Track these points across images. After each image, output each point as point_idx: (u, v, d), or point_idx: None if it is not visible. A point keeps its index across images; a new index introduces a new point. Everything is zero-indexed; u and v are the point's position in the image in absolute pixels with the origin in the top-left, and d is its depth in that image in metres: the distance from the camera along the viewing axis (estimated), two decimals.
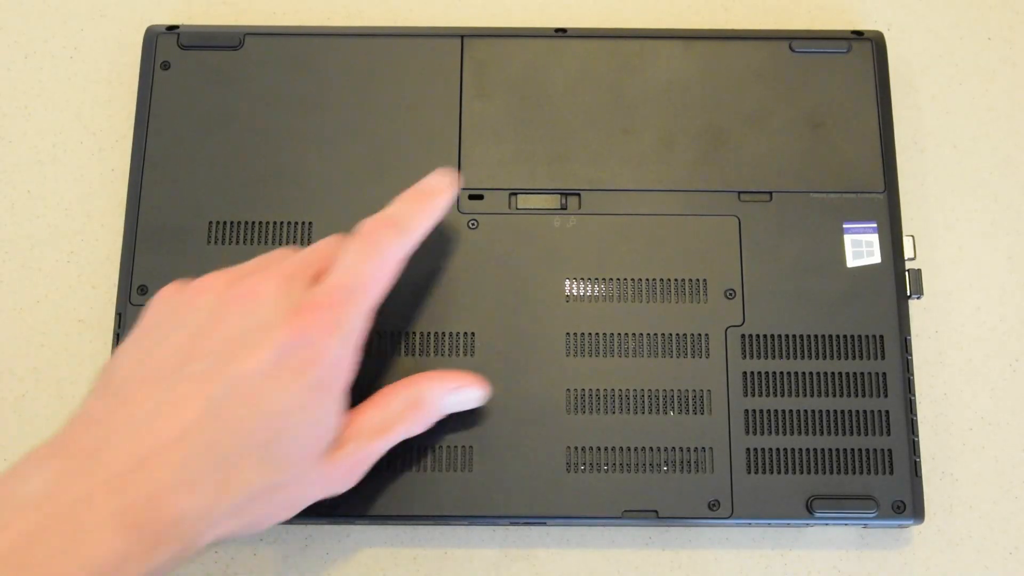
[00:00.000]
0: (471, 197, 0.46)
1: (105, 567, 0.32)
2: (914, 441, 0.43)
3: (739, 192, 0.46)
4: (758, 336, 0.44)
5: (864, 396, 0.43)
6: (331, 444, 0.37)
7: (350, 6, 0.52)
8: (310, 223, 0.45)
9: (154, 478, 0.33)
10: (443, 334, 0.44)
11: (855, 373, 0.44)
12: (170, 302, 0.38)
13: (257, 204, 0.46)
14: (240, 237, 0.45)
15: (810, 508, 0.42)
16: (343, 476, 0.38)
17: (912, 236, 0.45)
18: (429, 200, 0.40)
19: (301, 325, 0.35)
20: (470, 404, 0.41)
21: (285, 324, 0.35)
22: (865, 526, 0.43)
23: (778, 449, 0.43)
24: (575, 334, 0.44)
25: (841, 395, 0.43)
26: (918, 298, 0.45)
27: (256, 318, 0.36)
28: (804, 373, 0.44)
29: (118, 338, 0.44)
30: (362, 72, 0.47)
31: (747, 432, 0.43)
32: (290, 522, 0.44)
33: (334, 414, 0.37)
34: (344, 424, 0.38)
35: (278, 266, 0.38)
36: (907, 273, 0.45)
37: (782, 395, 0.43)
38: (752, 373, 0.44)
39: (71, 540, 0.31)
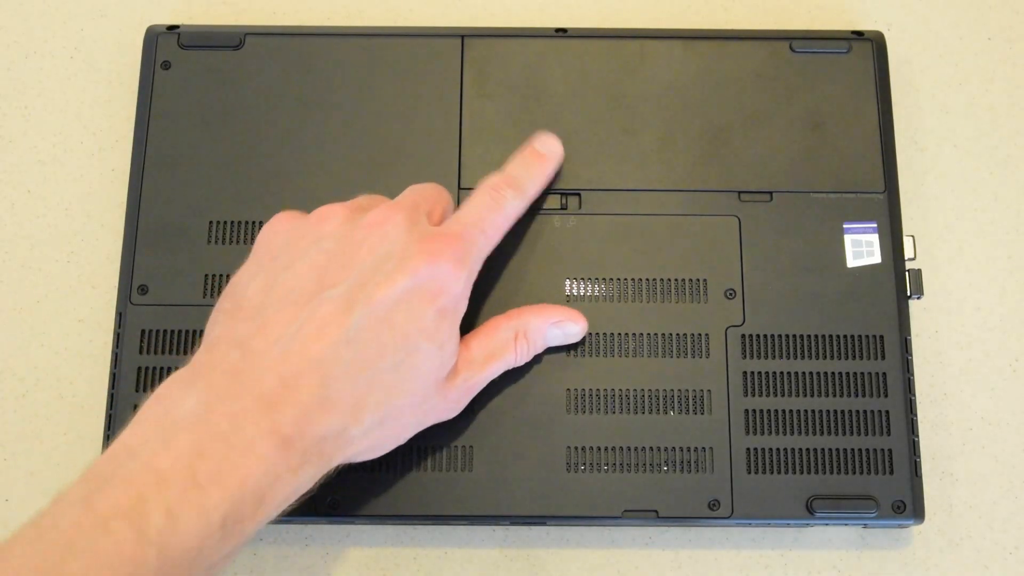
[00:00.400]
0: None
1: (263, 482, 0.33)
2: (914, 441, 0.43)
3: (739, 192, 0.46)
4: (758, 336, 0.44)
5: (864, 396, 0.43)
6: (449, 371, 0.39)
7: (350, 6, 0.52)
8: None
9: (300, 398, 0.34)
10: None
11: (855, 373, 0.44)
12: (288, 230, 0.39)
13: (257, 204, 0.46)
14: (240, 237, 0.45)
15: (810, 508, 0.42)
16: (454, 403, 0.40)
17: (912, 236, 0.45)
18: (544, 165, 0.44)
19: (435, 253, 0.37)
20: (571, 338, 0.43)
21: (420, 253, 0.37)
22: (865, 526, 0.43)
23: (778, 449, 0.43)
24: None
25: (841, 395, 0.43)
26: (918, 298, 0.45)
27: (390, 245, 0.37)
28: (804, 373, 0.44)
29: (118, 338, 0.44)
30: (362, 72, 0.47)
31: (747, 432, 0.43)
32: (290, 522, 0.44)
33: (454, 342, 0.38)
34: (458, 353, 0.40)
35: (398, 200, 0.40)
36: (907, 273, 0.45)
37: (782, 395, 0.43)
38: (752, 373, 0.44)
39: (231, 456, 0.32)
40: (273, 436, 0.33)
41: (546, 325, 0.42)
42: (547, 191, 0.46)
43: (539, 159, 0.44)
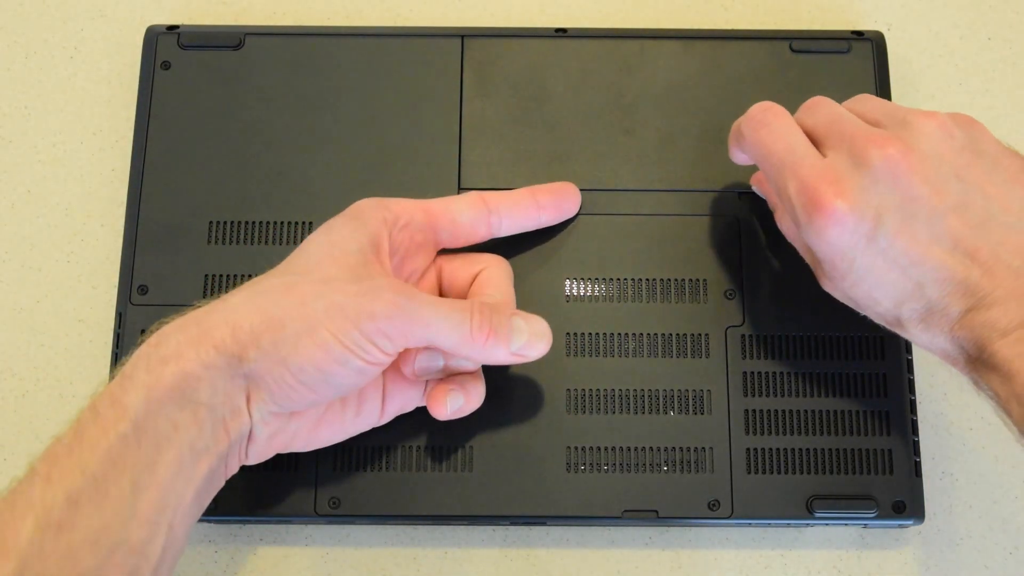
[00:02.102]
0: None
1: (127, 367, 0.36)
2: (914, 441, 0.43)
3: (739, 192, 0.46)
4: (758, 336, 0.44)
5: (864, 396, 0.43)
6: (359, 265, 0.38)
7: (350, 6, 0.52)
8: (310, 223, 0.45)
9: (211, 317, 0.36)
10: None
11: (855, 373, 0.44)
12: None
13: (257, 204, 0.46)
14: (240, 237, 0.45)
15: (810, 508, 0.42)
16: (371, 294, 0.36)
17: None
18: (526, 195, 0.44)
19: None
20: (534, 347, 0.39)
21: None
22: (865, 526, 0.43)
23: (778, 449, 0.43)
24: (575, 334, 0.44)
25: (841, 395, 0.43)
26: None
27: None
28: (804, 373, 0.44)
29: (118, 338, 0.44)
30: (362, 72, 0.47)
31: (747, 432, 0.43)
32: (290, 522, 0.44)
33: (355, 237, 0.39)
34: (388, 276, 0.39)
35: None
36: None
37: (782, 395, 0.43)
38: (752, 373, 0.44)
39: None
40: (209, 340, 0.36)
41: (511, 316, 0.39)
42: None
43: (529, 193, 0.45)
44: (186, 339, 0.35)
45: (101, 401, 0.35)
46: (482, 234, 0.43)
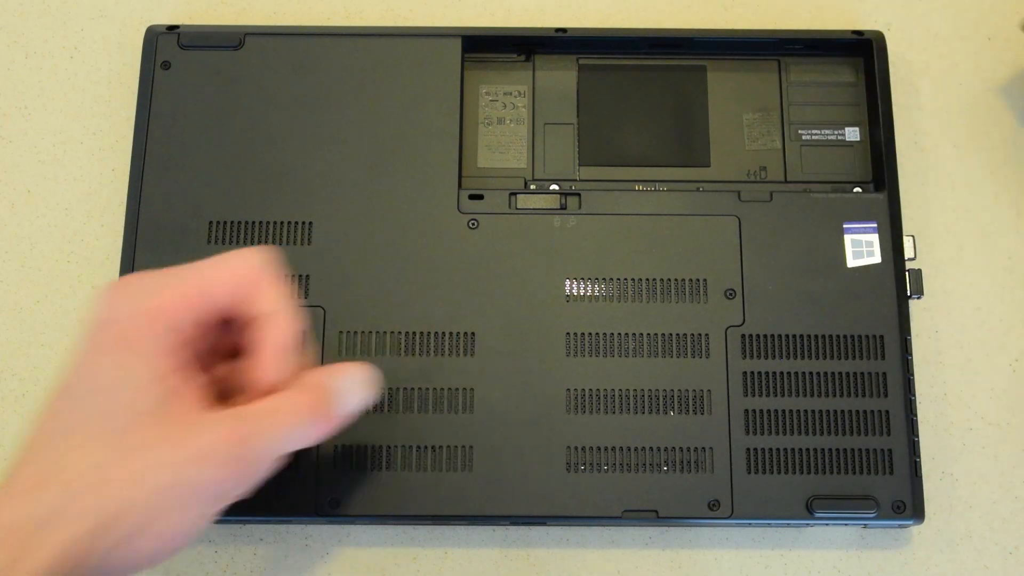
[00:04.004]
0: (471, 197, 0.46)
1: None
2: (914, 441, 0.43)
3: (739, 192, 0.46)
4: (758, 336, 0.44)
5: (864, 396, 0.43)
6: (159, 405, 0.33)
7: (350, 6, 0.52)
8: (310, 223, 0.45)
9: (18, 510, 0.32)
10: (444, 334, 0.44)
11: (855, 373, 0.44)
12: None
13: (257, 204, 0.46)
14: (240, 237, 0.45)
15: (810, 508, 0.42)
16: (198, 451, 0.33)
17: (912, 236, 0.45)
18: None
19: None
20: (361, 398, 0.37)
21: None
22: (865, 526, 0.43)
23: (778, 449, 0.43)
24: (575, 334, 0.44)
25: (841, 395, 0.43)
26: (918, 298, 0.45)
27: None
28: (804, 373, 0.44)
29: None
30: (362, 72, 0.47)
31: (747, 432, 0.43)
32: (290, 522, 0.44)
33: (130, 368, 0.34)
34: (196, 400, 0.34)
35: None
36: (907, 273, 0.45)
37: (782, 395, 0.43)
38: (752, 373, 0.44)
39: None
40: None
41: (333, 380, 0.36)
42: (547, 191, 0.46)
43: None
44: (8, 559, 0.30)
45: None
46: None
